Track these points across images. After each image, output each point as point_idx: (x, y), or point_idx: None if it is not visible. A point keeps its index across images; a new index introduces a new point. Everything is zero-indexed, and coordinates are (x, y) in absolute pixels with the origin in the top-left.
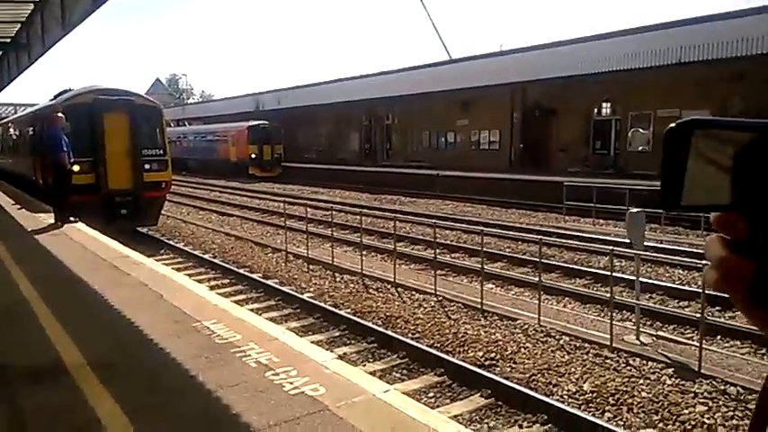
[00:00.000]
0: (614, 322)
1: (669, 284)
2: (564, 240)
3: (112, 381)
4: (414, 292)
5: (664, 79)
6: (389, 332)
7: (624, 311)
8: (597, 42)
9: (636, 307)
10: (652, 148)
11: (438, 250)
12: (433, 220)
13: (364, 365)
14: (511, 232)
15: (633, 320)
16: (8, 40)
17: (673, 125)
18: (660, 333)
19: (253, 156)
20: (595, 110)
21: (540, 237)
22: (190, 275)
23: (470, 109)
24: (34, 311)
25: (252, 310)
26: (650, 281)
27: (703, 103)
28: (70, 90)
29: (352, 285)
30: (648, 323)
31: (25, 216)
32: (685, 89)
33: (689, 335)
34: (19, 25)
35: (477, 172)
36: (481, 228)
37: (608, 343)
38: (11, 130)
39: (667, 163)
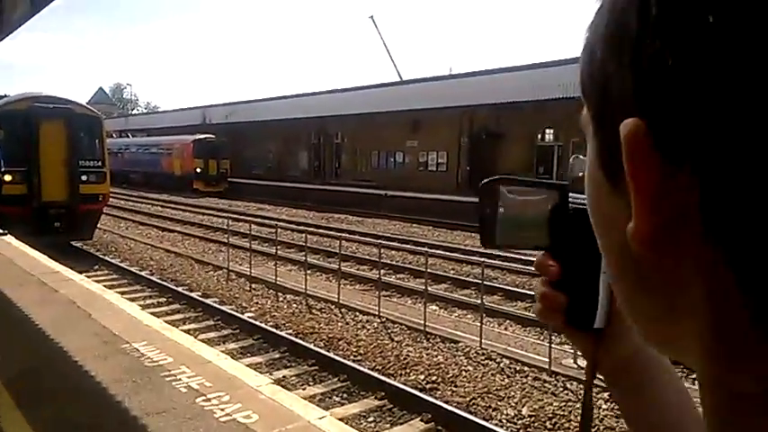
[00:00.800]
0: (553, 346)
1: None
2: (506, 263)
3: (29, 405)
4: (357, 313)
5: None
6: (331, 354)
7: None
8: (543, 69)
9: None
10: None
11: (383, 271)
12: (379, 241)
13: (304, 389)
14: (455, 254)
15: (570, 345)
16: None
17: (485, 181)
18: None
19: (198, 170)
20: (539, 136)
21: (483, 259)
22: (123, 293)
23: (420, 130)
24: None
25: (189, 330)
26: None
27: None
28: (5, 96)
29: (295, 305)
30: None
31: None
32: None
33: None
34: None
35: (425, 193)
36: (425, 249)
37: (546, 366)
38: None
39: (482, 210)
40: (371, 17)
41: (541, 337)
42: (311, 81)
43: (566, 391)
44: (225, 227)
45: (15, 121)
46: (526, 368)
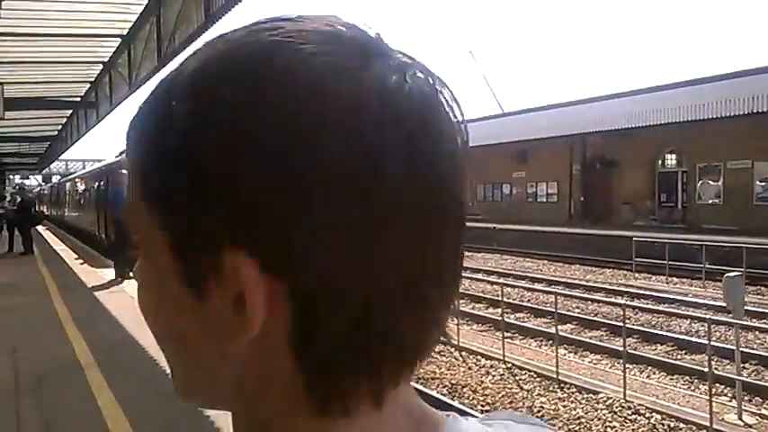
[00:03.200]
0: (703, 397)
1: (765, 353)
2: (642, 304)
3: None
4: (480, 357)
5: (733, 129)
6: (456, 404)
7: (718, 384)
8: (658, 93)
9: (737, 381)
10: (723, 201)
11: (499, 309)
12: (497, 278)
13: None
14: (587, 295)
15: (729, 395)
16: (78, 99)
17: None
18: (763, 411)
19: None
20: (659, 161)
21: (624, 301)
22: None
23: (528, 160)
24: (86, 377)
25: None
26: (745, 350)
27: None
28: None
29: None
30: (746, 398)
31: (86, 271)
32: (757, 140)
33: None
34: (88, 85)
35: (536, 226)
36: (554, 288)
37: (707, 423)
38: (78, 185)
39: None
40: (470, 52)
41: (692, 387)
42: None
43: None
44: None
45: None
46: (681, 425)
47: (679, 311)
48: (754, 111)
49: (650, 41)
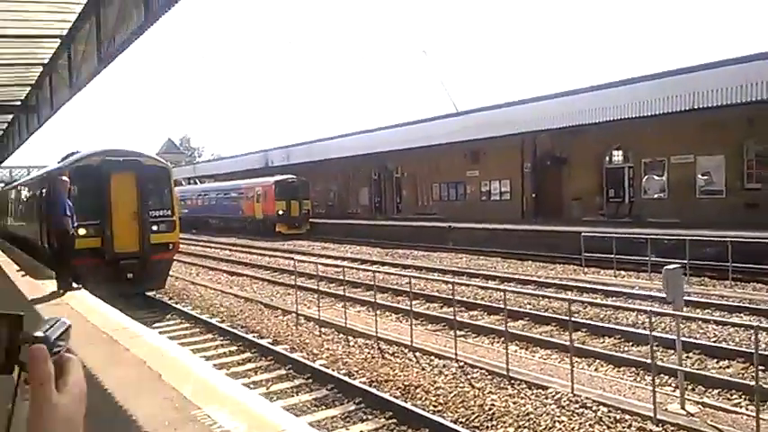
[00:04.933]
0: (647, 387)
1: (707, 343)
2: (590, 298)
3: None
4: (433, 357)
5: (676, 125)
6: (409, 405)
7: (661, 375)
8: (605, 91)
9: (679, 372)
10: (668, 195)
11: (456, 308)
12: (452, 277)
13: None
14: (537, 291)
15: (674, 385)
16: (18, 103)
17: None
18: (706, 400)
19: (280, 212)
20: (607, 158)
21: (569, 296)
22: (195, 343)
23: (480, 159)
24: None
25: (262, 381)
26: (689, 340)
27: (719, 148)
28: (78, 152)
29: (367, 350)
30: (690, 388)
31: (28, 283)
32: (699, 134)
33: (736, 400)
34: (29, 88)
35: (490, 223)
36: (503, 285)
37: (651, 414)
38: (20, 192)
39: None
40: (424, 51)
41: (638, 379)
42: (367, 119)
43: None
44: (292, 268)
45: (88, 175)
46: (627, 416)
47: (624, 305)
48: (695, 107)
49: (599, 38)
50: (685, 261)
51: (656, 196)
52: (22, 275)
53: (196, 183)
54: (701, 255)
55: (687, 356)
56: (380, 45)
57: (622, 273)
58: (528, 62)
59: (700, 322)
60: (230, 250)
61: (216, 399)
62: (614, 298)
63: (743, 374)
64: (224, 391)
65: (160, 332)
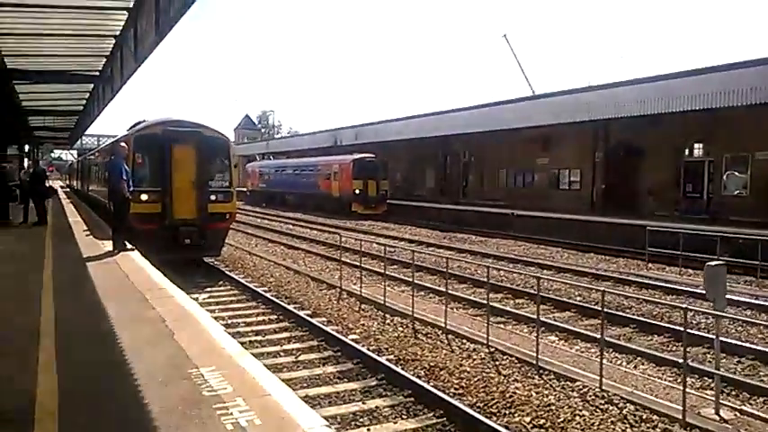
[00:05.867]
0: (691, 391)
1: (759, 348)
2: (641, 291)
3: (72, 429)
4: (465, 341)
5: (763, 119)
6: (428, 386)
7: (706, 378)
8: (687, 79)
9: (715, 374)
10: (750, 193)
11: (500, 295)
12: (488, 262)
13: (395, 422)
14: (570, 280)
15: (714, 389)
16: (97, 73)
17: None
18: (745, 408)
19: (357, 191)
20: (686, 150)
21: (603, 287)
22: (238, 309)
23: (551, 147)
24: (38, 346)
25: (292, 350)
26: (738, 342)
27: None
28: (143, 121)
29: (401, 329)
30: (733, 393)
31: (88, 243)
32: None
33: None
34: (104, 59)
35: (557, 212)
36: (537, 273)
37: (680, 416)
38: (96, 159)
39: None
40: (505, 36)
41: (677, 380)
42: (442, 101)
43: None
44: (355, 247)
45: (150, 144)
46: (655, 417)
47: (657, 300)
48: None
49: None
50: (757, 262)
51: (736, 193)
52: (87, 235)
53: (270, 158)
54: None
55: (739, 361)
56: (460, 28)
57: (689, 270)
58: (616, 49)
59: (761, 327)
60: (293, 224)
61: (216, 361)
62: (675, 296)
63: None
64: (229, 354)
65: (209, 296)
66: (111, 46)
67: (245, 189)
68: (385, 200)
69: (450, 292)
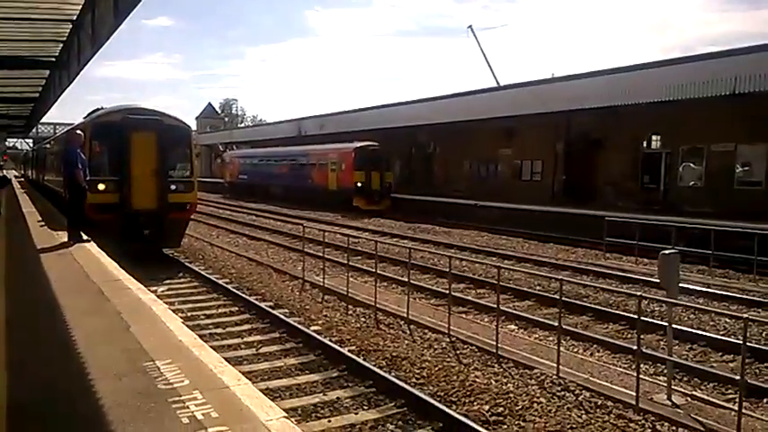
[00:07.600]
0: (645, 377)
1: (710, 335)
2: (599, 280)
3: (18, 427)
4: (426, 331)
5: (718, 112)
6: (389, 376)
7: (659, 364)
8: (646, 71)
9: (667, 361)
10: (704, 184)
11: (462, 285)
12: (451, 252)
13: (357, 413)
14: (531, 270)
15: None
16: (53, 59)
17: None
18: (696, 393)
19: (359, 184)
20: (644, 142)
21: (562, 276)
22: (199, 301)
23: (514, 138)
24: None
25: (254, 342)
26: (690, 330)
27: (760, 138)
28: (102, 109)
29: (363, 320)
30: (685, 379)
31: (42, 234)
32: (741, 123)
33: (731, 395)
34: (61, 45)
35: (519, 203)
36: (499, 263)
37: (633, 402)
38: (50, 148)
39: None
40: (470, 27)
41: (632, 367)
42: (406, 92)
43: None
44: (317, 238)
45: (109, 132)
46: (609, 403)
47: (613, 288)
48: (737, 92)
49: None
50: (710, 251)
51: (691, 184)
52: (41, 225)
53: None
54: (731, 246)
55: (691, 348)
56: (425, 19)
57: (645, 260)
58: (586, 40)
59: (712, 314)
60: (256, 216)
61: (173, 354)
62: (628, 284)
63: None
64: (186, 347)
65: (168, 289)
66: (68, 31)
67: (222, 181)
68: (389, 194)
69: (412, 282)
